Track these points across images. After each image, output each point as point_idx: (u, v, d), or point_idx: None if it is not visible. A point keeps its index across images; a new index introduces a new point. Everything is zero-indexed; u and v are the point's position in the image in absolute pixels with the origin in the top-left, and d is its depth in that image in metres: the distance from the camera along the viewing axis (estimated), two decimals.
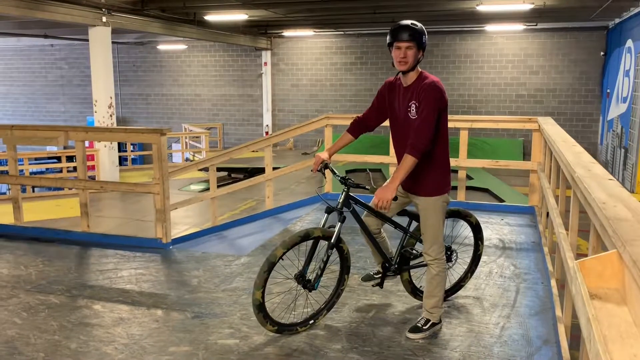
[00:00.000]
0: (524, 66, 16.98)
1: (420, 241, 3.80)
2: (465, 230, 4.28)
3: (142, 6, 12.96)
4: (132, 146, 18.27)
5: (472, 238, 4.16)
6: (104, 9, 12.48)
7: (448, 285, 4.09)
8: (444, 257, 3.60)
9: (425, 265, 3.89)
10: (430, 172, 3.42)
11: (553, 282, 4.17)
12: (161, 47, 20.44)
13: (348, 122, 7.91)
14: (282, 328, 3.50)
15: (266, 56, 19.66)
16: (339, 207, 3.49)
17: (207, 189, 11.66)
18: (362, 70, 18.37)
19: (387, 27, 16.20)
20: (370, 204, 3.56)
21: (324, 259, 3.48)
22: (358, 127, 3.73)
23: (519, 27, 16.01)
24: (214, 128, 20.41)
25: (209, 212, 9.32)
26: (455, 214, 3.97)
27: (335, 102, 18.91)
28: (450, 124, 7.61)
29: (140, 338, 3.53)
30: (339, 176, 3.55)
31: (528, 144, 16.02)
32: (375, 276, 3.92)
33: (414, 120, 3.35)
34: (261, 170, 10.79)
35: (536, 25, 15.72)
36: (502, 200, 10.39)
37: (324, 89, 19.12)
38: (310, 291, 3.53)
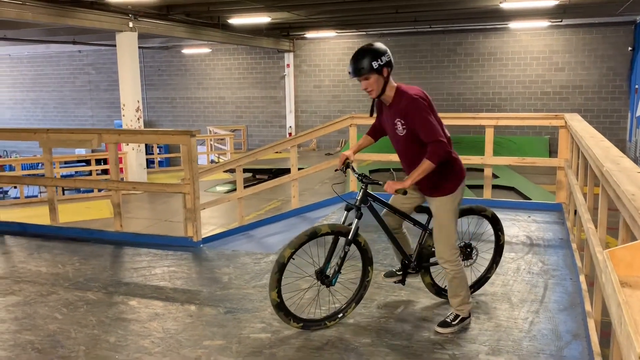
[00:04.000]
0: (549, 63, 16.79)
1: None
2: (483, 224, 4.29)
3: (167, 11, 13.22)
4: (158, 149, 18.59)
5: (492, 231, 4.15)
6: (130, 15, 12.77)
7: (474, 279, 4.11)
8: (458, 258, 3.58)
9: None
10: (437, 173, 3.42)
11: (582, 278, 4.16)
12: (185, 51, 20.75)
13: (371, 122, 7.97)
14: (308, 324, 3.57)
15: (289, 58, 19.81)
16: (357, 204, 3.55)
17: (233, 190, 11.82)
18: None
19: (410, 26, 16.14)
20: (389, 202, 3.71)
21: (342, 255, 3.53)
22: (374, 132, 3.87)
23: (544, 23, 15.84)
24: (238, 130, 20.64)
25: (235, 212, 9.46)
26: (469, 212, 3.94)
27: (357, 103, 18.95)
28: (475, 122, 7.63)
29: (175, 332, 3.64)
30: (357, 174, 3.64)
31: (554, 141, 15.83)
32: (397, 273, 3.96)
33: (402, 137, 3.45)
34: (285, 171, 10.90)
35: (561, 21, 15.54)
36: (528, 199, 10.31)
37: (347, 89, 19.18)
38: (327, 287, 3.58)
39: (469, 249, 4.00)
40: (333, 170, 3.86)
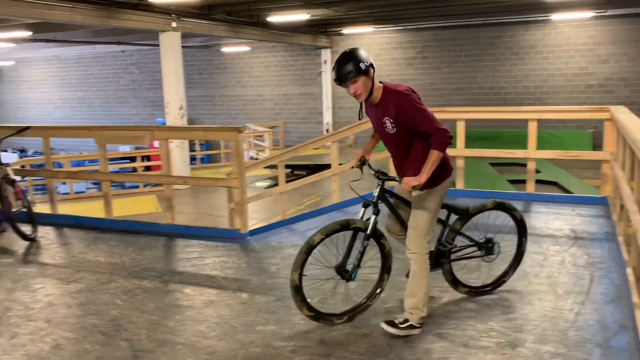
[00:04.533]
0: (592, 55, 16.39)
1: (460, 234, 3.85)
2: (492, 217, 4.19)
3: (208, 10, 13.54)
4: (200, 146, 19.04)
5: (505, 216, 4.07)
6: (173, 15, 13.13)
7: (509, 261, 4.09)
8: (425, 255, 3.51)
9: (468, 257, 3.97)
10: (420, 166, 3.37)
11: (629, 270, 4.15)
12: (225, 49, 21.11)
13: None
14: (352, 312, 3.69)
15: (326, 54, 19.93)
16: (374, 200, 3.59)
17: (272, 186, 12.05)
18: (423, 64, 18.28)
19: (450, 20, 15.92)
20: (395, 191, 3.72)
21: (361, 250, 3.57)
22: None
23: (587, 14, 15.46)
24: (275, 127, 20.90)
25: (274, 207, 9.65)
26: (471, 215, 3.88)
27: None
28: (518, 115, 7.59)
29: (229, 318, 3.84)
30: (373, 170, 3.67)
31: (598, 135, 15.46)
32: None
33: (393, 134, 3.45)
34: (323, 167, 11.04)
35: (605, 12, 15.15)
36: (570, 193, 10.16)
37: None
38: (347, 281, 3.63)
39: (490, 244, 3.97)
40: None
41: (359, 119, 3.81)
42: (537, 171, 11.70)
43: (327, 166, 7.96)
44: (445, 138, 3.31)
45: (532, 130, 6.70)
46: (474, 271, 4.21)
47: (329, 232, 3.52)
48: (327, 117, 20.40)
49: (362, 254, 3.59)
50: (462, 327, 3.57)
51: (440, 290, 4.15)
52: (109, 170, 15.29)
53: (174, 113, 13.43)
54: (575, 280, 4.27)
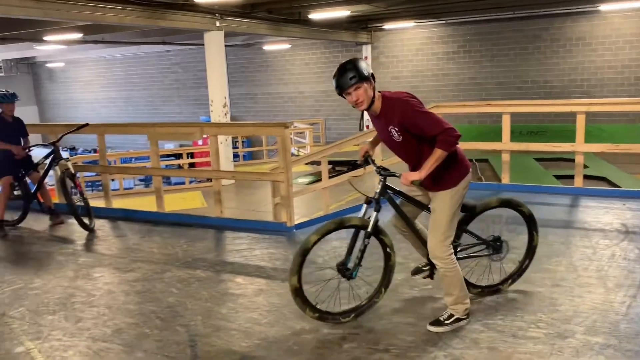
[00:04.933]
0: None
1: (467, 232, 3.78)
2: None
3: (251, 9, 13.77)
4: (242, 143, 19.39)
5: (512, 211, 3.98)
6: (217, 14, 13.42)
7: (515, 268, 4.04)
8: (450, 256, 3.46)
9: (475, 256, 3.90)
10: (437, 166, 3.31)
11: None
12: (266, 47, 21.38)
13: (458, 111, 7.96)
14: (382, 291, 3.72)
15: (366, 50, 19.91)
16: (376, 197, 3.54)
17: (314, 182, 12.18)
18: (465, 58, 18.05)
19: (492, 13, 15.59)
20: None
21: (362, 248, 3.54)
22: None
23: (638, 4, 14.94)
24: (316, 123, 21.04)
25: (316, 203, 9.78)
26: (506, 204, 3.82)
27: (437, 93, 18.74)
28: (565, 109, 7.46)
29: (280, 306, 3.97)
30: (376, 167, 3.62)
31: None
32: (423, 268, 3.89)
33: (400, 142, 3.40)
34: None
35: None
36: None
37: (425, 79, 19.03)
38: (348, 279, 3.61)
39: (498, 243, 3.90)
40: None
41: (360, 130, 3.82)
42: (585, 166, 11.44)
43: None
44: (450, 137, 3.24)
45: (580, 123, 6.59)
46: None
47: (324, 233, 3.49)
48: (367, 114, 20.40)
49: (362, 252, 3.56)
50: (510, 317, 3.60)
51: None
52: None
53: (218, 111, 13.73)
54: (627, 274, 4.22)
